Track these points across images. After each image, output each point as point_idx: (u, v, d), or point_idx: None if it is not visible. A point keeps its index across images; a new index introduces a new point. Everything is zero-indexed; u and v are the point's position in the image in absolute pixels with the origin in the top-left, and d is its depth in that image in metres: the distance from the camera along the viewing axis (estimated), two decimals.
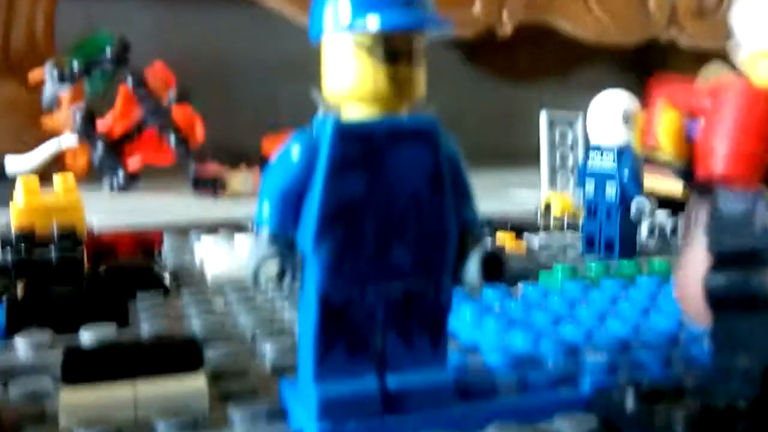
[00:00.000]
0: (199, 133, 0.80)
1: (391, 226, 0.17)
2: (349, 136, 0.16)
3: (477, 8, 0.87)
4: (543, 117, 0.58)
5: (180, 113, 0.80)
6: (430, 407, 0.17)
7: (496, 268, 0.17)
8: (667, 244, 0.42)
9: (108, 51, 0.77)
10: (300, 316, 0.18)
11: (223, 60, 1.38)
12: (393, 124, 0.17)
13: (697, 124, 0.17)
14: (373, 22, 0.15)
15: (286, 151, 0.17)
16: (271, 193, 0.17)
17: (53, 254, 0.31)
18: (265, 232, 0.17)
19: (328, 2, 0.16)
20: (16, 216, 0.35)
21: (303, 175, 0.17)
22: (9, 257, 0.31)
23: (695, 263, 0.17)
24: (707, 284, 0.16)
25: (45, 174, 0.73)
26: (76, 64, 0.77)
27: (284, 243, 0.17)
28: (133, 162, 0.80)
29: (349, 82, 0.16)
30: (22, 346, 0.23)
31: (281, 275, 0.17)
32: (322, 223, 0.16)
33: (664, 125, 0.17)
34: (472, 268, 0.17)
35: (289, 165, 0.17)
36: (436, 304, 0.17)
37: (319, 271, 0.17)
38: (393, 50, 0.16)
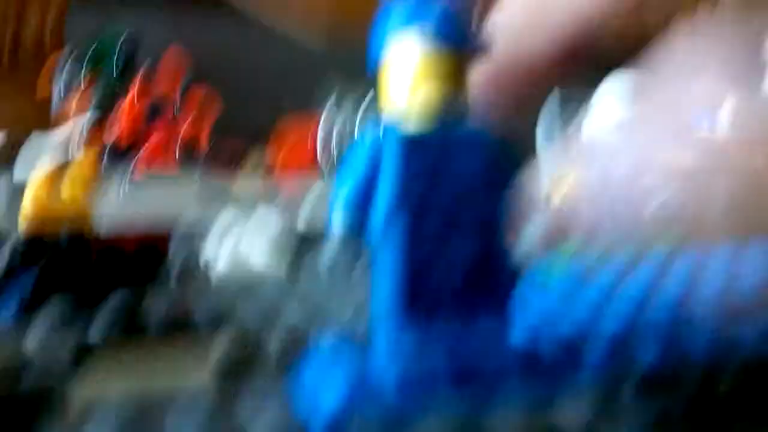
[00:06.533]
0: (215, 110, 0.80)
1: None
2: None
3: None
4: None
5: (194, 95, 0.80)
6: None
7: None
8: None
9: (116, 53, 0.78)
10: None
11: (236, 64, 1.38)
12: None
13: None
14: None
15: None
16: None
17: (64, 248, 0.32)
18: None
19: None
20: (25, 221, 0.36)
21: None
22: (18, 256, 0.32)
23: None
24: None
25: (54, 177, 0.74)
26: (84, 70, 0.78)
27: None
28: (141, 161, 0.81)
29: None
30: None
31: None
32: None
33: None
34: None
35: None
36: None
37: None
38: None
